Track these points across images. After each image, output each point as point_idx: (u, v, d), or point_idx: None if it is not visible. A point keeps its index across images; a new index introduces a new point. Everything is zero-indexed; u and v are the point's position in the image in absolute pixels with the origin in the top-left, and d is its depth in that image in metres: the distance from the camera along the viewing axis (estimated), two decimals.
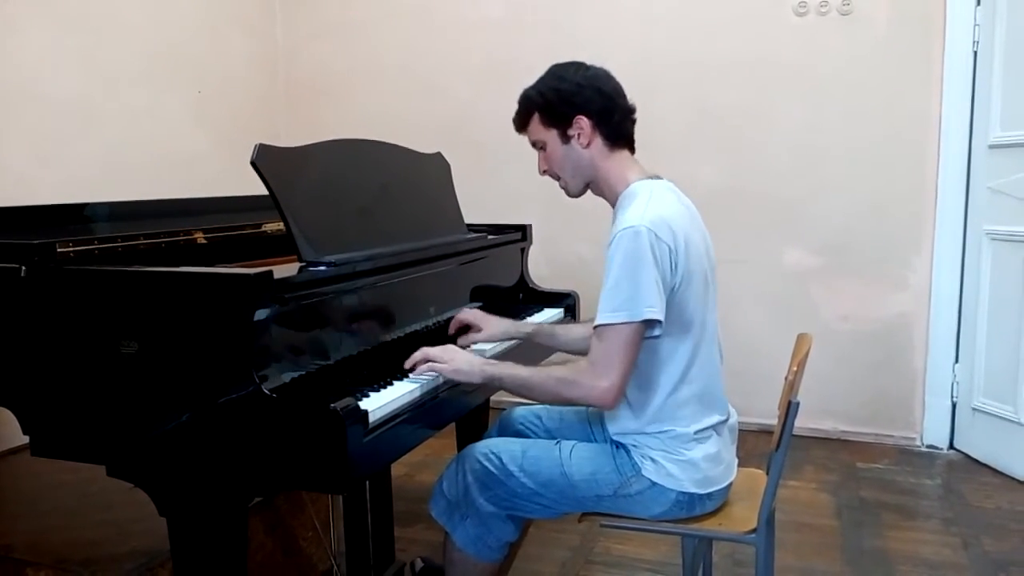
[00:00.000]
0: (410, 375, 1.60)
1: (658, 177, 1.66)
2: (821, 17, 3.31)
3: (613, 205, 1.65)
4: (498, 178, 3.71)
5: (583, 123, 1.60)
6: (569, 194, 1.71)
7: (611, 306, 1.47)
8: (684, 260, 1.52)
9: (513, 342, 1.94)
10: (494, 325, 1.89)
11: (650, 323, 1.48)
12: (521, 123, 1.68)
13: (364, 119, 3.88)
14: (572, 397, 1.53)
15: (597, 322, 1.49)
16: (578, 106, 1.60)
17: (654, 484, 1.59)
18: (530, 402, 1.80)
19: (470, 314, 1.90)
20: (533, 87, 1.66)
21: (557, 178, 1.70)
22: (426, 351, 1.62)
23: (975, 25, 3.11)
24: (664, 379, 1.57)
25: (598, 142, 1.62)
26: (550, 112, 1.62)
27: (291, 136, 3.97)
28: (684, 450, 1.58)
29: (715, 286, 1.65)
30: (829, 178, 3.38)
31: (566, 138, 1.63)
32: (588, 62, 1.66)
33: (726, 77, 3.45)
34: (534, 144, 1.69)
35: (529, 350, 1.96)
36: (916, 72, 3.23)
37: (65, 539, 1.86)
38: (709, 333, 1.61)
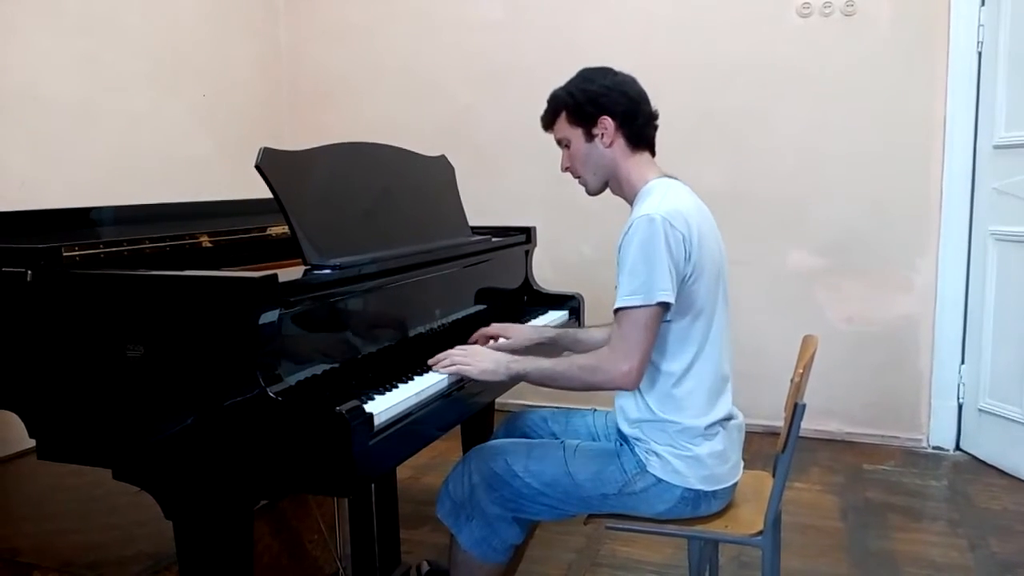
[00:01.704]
0: (414, 377, 1.60)
1: (675, 178, 1.70)
2: (824, 18, 3.31)
3: (631, 203, 1.69)
4: (502, 181, 3.71)
5: (607, 123, 1.66)
6: (588, 191, 1.77)
7: (628, 290, 1.52)
8: (697, 252, 1.56)
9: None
10: (519, 332, 1.91)
11: (663, 307, 1.52)
12: (548, 121, 1.74)
13: (367, 122, 3.88)
14: (596, 382, 1.56)
15: (616, 306, 1.54)
16: (604, 107, 1.66)
17: (659, 481, 1.60)
18: (536, 404, 1.80)
19: (494, 327, 1.92)
20: (562, 88, 1.72)
21: (578, 176, 1.75)
22: (452, 355, 1.65)
23: (979, 26, 3.11)
24: (669, 367, 1.60)
25: (620, 143, 1.68)
26: (577, 111, 1.68)
27: (294, 139, 3.97)
28: (691, 445, 1.60)
29: (726, 286, 1.68)
30: (833, 179, 3.37)
31: (590, 137, 1.68)
32: (616, 68, 1.72)
33: (729, 79, 3.44)
34: (559, 142, 1.75)
35: (553, 354, 1.96)
36: (920, 73, 3.22)
37: (71, 542, 1.87)
38: (717, 329, 1.63)
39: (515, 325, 1.94)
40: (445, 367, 1.64)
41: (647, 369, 1.58)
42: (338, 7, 4.01)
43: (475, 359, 1.65)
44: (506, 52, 3.72)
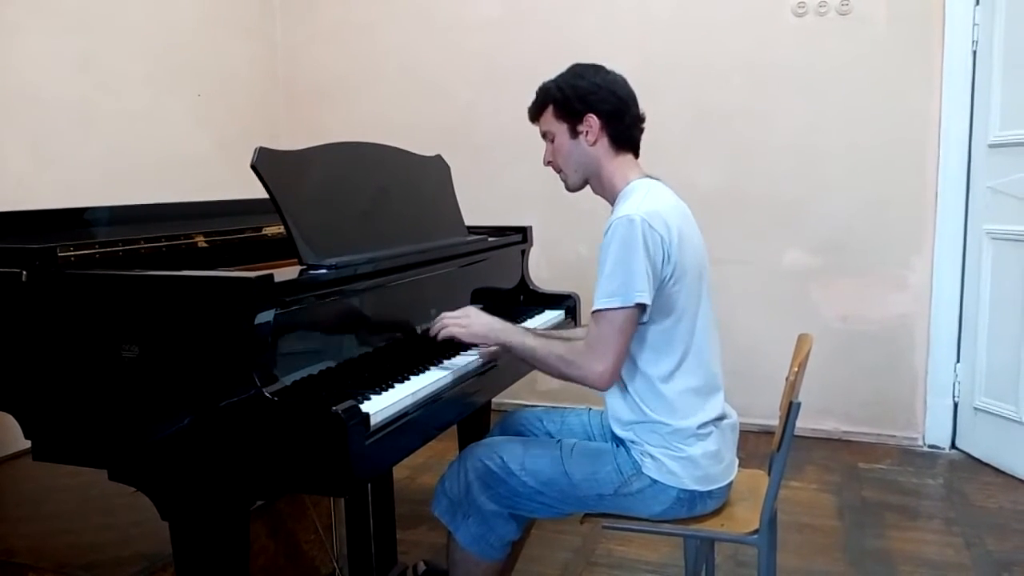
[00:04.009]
0: (410, 377, 1.60)
1: (657, 179, 1.70)
2: (820, 18, 3.32)
3: (612, 203, 1.69)
4: (498, 180, 3.72)
5: (593, 121, 1.66)
6: (568, 187, 1.77)
7: (607, 292, 1.52)
8: (677, 253, 1.56)
9: None
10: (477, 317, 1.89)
11: (640, 308, 1.53)
12: (536, 113, 1.74)
13: (364, 121, 3.88)
14: (570, 375, 1.58)
15: (594, 307, 1.54)
16: (591, 104, 1.66)
17: (655, 482, 1.60)
18: (531, 403, 1.80)
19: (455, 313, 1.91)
20: (552, 80, 1.72)
21: (559, 170, 1.75)
22: (444, 318, 1.71)
23: (974, 24, 3.11)
24: (656, 369, 1.60)
25: (604, 142, 1.67)
26: (564, 106, 1.68)
27: (291, 139, 3.97)
28: (684, 446, 1.60)
29: (708, 286, 1.68)
30: (829, 178, 3.38)
31: (575, 133, 1.68)
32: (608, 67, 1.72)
33: (725, 78, 3.45)
34: (544, 135, 1.74)
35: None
36: (915, 72, 3.23)
37: (67, 543, 1.86)
38: (702, 329, 1.63)
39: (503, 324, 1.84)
40: (436, 330, 1.71)
41: (629, 370, 1.60)
42: (335, 6, 4.01)
43: (467, 322, 1.69)
44: (504, 51, 3.72)
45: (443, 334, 1.70)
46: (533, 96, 1.74)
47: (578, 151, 1.69)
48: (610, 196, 1.70)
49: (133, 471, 1.42)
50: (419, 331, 1.85)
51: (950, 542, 2.51)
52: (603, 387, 1.57)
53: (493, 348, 1.73)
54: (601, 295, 1.53)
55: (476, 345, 1.78)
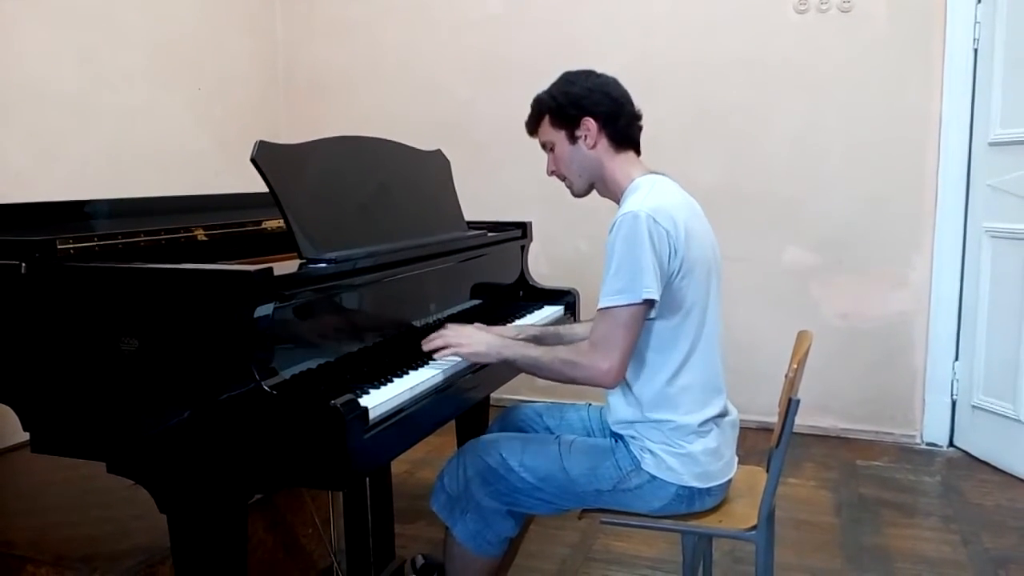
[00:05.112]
0: (409, 372, 1.60)
1: (662, 174, 1.70)
2: (821, 15, 3.31)
3: (618, 202, 1.68)
4: (498, 176, 3.71)
5: (590, 124, 1.66)
6: (574, 193, 1.76)
7: (613, 288, 1.52)
8: (684, 248, 1.55)
9: None
10: (500, 333, 1.87)
11: (649, 304, 1.52)
12: (533, 126, 1.74)
13: (364, 117, 3.88)
14: (576, 377, 1.57)
15: (600, 304, 1.53)
16: (585, 108, 1.66)
17: (654, 478, 1.60)
18: (531, 399, 1.80)
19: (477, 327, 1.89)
20: (545, 91, 1.72)
21: (563, 178, 1.75)
22: (445, 335, 1.66)
23: (976, 22, 3.11)
24: (662, 365, 1.60)
25: (604, 143, 1.68)
26: (559, 114, 1.68)
27: (291, 133, 3.97)
28: (684, 443, 1.60)
29: (719, 280, 1.67)
30: (829, 176, 3.38)
31: (573, 139, 1.68)
32: (598, 71, 1.73)
33: (726, 75, 3.44)
34: (544, 146, 1.75)
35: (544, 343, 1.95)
36: (916, 69, 3.23)
37: (65, 536, 1.86)
38: (710, 324, 1.63)
39: (493, 328, 1.88)
40: (436, 346, 1.65)
41: (632, 366, 1.59)
42: (335, 1, 4.00)
43: (468, 340, 1.65)
44: (504, 47, 3.72)
45: (444, 354, 1.65)
46: (531, 97, 1.74)
47: (579, 156, 1.69)
48: (616, 196, 1.70)
49: (132, 464, 1.42)
50: (418, 326, 1.85)
51: (947, 539, 2.52)
52: (610, 385, 1.56)
53: (454, 349, 1.65)
54: (607, 292, 1.52)
55: None
